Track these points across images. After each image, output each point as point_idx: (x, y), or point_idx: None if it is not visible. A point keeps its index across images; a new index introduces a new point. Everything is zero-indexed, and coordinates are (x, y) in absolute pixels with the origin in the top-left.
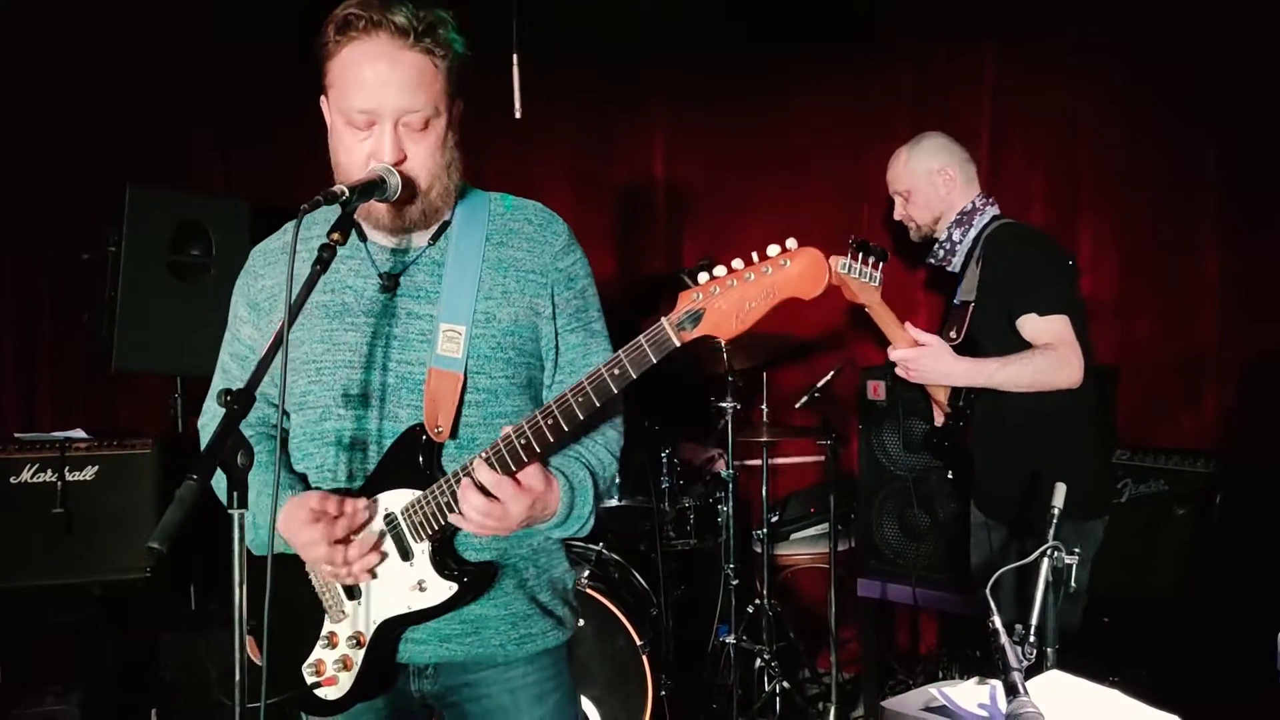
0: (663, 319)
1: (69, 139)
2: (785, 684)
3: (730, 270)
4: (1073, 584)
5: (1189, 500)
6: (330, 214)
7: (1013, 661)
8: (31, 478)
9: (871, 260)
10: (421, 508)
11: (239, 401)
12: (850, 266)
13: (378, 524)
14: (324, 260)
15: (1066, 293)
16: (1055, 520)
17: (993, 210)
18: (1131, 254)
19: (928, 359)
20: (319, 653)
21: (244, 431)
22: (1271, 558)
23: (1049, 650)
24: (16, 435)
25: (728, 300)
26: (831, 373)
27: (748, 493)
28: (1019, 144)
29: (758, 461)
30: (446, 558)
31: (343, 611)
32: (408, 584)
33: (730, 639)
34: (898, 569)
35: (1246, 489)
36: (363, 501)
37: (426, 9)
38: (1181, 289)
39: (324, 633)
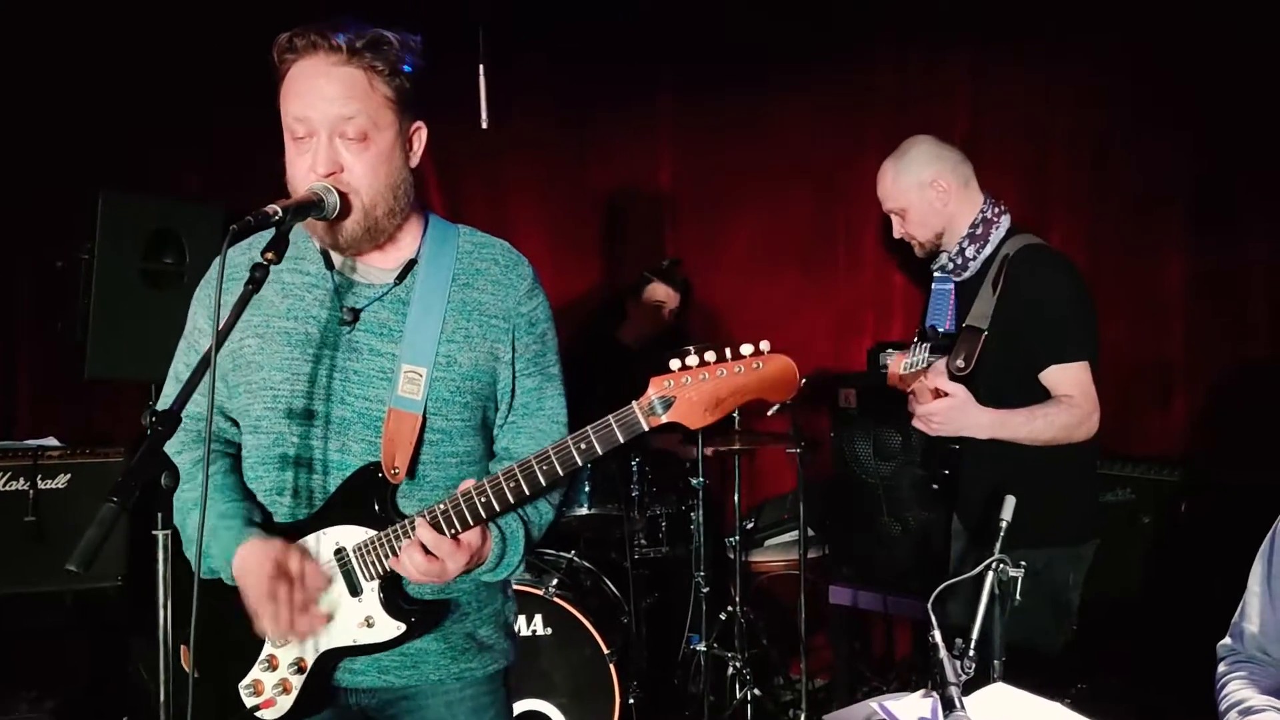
0: (633, 403)
1: (44, 145)
2: (757, 691)
3: (703, 363)
4: (1018, 597)
5: (1155, 508)
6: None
7: (950, 676)
8: (4, 486)
9: (926, 346)
10: (375, 549)
11: (164, 423)
12: (911, 365)
13: (327, 557)
14: (256, 280)
15: (1093, 333)
16: (1003, 533)
17: (1007, 220)
18: (1100, 263)
19: (953, 412)
20: (258, 673)
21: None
22: (1236, 565)
23: (996, 662)
24: None
25: (698, 392)
26: (803, 380)
27: (721, 500)
28: (991, 152)
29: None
30: (396, 598)
31: (285, 637)
32: (355, 619)
33: (701, 646)
34: (869, 576)
35: (1211, 497)
36: (322, 571)
37: (370, 29)
38: (1149, 298)
39: (264, 654)
